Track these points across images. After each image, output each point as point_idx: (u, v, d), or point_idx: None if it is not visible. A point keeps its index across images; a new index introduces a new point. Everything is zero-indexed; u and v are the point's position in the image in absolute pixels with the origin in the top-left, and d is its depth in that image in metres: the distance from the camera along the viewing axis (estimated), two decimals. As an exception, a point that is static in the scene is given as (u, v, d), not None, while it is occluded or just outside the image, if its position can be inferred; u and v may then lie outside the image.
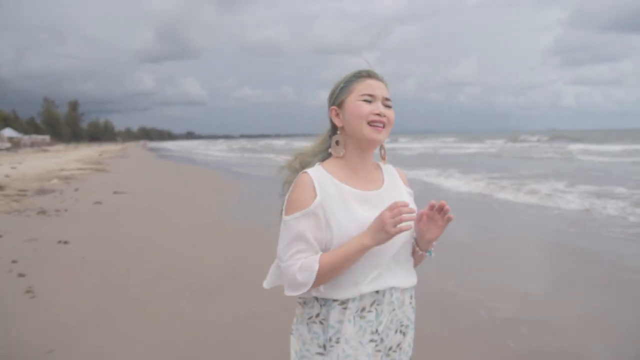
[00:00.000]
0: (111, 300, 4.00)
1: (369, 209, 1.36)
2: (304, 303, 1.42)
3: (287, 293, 1.36)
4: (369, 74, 1.42)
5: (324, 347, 1.36)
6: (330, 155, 1.46)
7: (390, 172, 1.52)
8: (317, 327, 1.38)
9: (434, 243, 1.47)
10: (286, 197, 1.40)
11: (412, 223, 1.33)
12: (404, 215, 1.25)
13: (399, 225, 1.26)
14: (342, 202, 1.35)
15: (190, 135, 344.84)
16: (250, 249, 5.61)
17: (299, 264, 1.32)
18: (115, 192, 11.79)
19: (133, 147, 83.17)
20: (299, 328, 1.42)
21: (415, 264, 1.52)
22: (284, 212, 1.38)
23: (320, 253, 1.34)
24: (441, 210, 1.39)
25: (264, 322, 3.47)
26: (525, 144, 43.54)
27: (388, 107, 1.41)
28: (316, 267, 1.30)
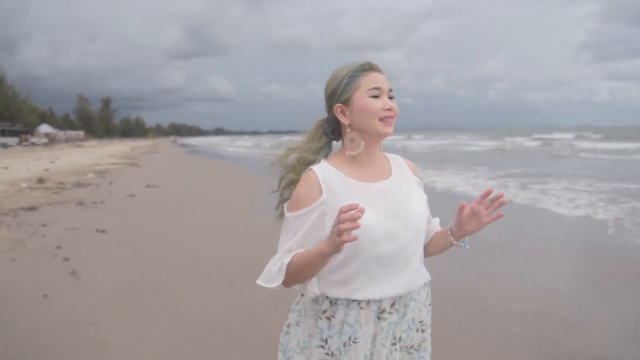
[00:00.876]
0: (143, 284, 4.40)
1: (377, 200, 1.34)
2: (315, 300, 1.40)
3: (259, 281, 1.36)
4: (371, 67, 1.37)
5: (326, 340, 1.37)
6: (331, 149, 1.46)
7: (398, 163, 1.49)
8: (322, 323, 1.38)
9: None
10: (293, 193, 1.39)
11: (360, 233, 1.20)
12: (341, 225, 1.13)
13: (345, 237, 1.15)
14: (350, 196, 1.31)
15: (219, 131, 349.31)
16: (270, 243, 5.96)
17: (282, 259, 1.33)
18: (147, 186, 12.37)
19: (163, 142, 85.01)
20: (306, 321, 1.42)
21: (441, 250, 1.51)
22: (287, 208, 1.39)
23: (298, 251, 1.33)
24: (494, 201, 1.34)
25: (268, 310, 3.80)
26: (535, 142, 42.73)
27: (392, 98, 1.38)
28: (286, 262, 1.30)
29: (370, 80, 1.34)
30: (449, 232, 1.44)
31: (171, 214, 8.25)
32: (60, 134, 74.99)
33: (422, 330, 1.43)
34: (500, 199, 1.33)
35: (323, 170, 1.36)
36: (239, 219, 7.63)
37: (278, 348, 1.50)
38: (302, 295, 1.44)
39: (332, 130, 1.43)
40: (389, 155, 1.50)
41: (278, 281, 1.32)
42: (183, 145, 66.03)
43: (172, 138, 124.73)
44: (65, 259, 5.10)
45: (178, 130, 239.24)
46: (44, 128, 74.19)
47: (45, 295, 4.00)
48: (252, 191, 11.38)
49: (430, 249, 1.51)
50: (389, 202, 1.35)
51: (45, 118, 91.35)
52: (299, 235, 1.33)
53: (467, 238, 1.44)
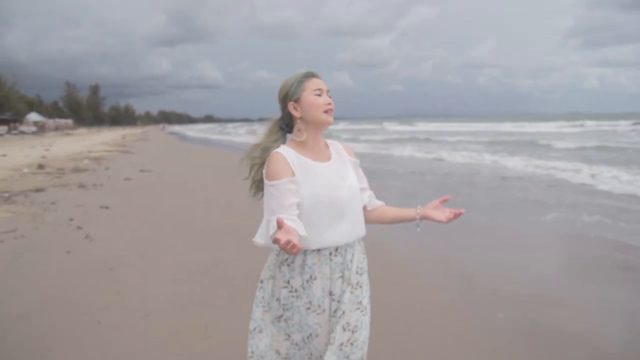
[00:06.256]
0: (146, 242, 5.48)
1: (323, 174, 1.71)
2: (277, 253, 1.76)
3: (257, 239, 1.63)
4: (313, 74, 1.75)
5: (288, 281, 1.72)
6: (286, 139, 1.80)
7: (336, 148, 1.85)
8: (285, 268, 1.73)
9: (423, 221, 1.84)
10: (264, 171, 1.69)
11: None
12: (294, 251, 1.38)
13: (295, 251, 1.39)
14: (307, 171, 1.68)
15: (209, 119, 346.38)
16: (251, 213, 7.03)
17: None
18: (141, 171, 13.36)
19: (154, 130, 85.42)
20: (272, 269, 1.78)
21: (394, 220, 1.90)
22: (267, 180, 1.66)
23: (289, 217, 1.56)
24: (454, 214, 1.79)
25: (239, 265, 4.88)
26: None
27: (330, 97, 1.76)
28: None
29: (313, 83, 1.74)
30: (418, 209, 1.85)
31: (164, 193, 9.31)
32: (50, 122, 74.81)
33: (360, 274, 1.80)
34: (457, 213, 1.80)
35: (285, 152, 1.70)
36: (222, 194, 8.71)
37: (254, 302, 1.83)
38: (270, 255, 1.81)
39: (286, 124, 1.79)
40: (330, 142, 1.87)
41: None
42: (172, 133, 66.51)
43: (160, 125, 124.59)
44: (79, 227, 6.15)
45: (168, 118, 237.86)
46: (33, 116, 73.88)
47: (68, 252, 5.07)
48: (241, 173, 12.39)
49: (385, 216, 1.91)
50: (330, 178, 1.72)
51: (34, 106, 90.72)
52: (278, 200, 1.62)
53: (422, 225, 1.86)
